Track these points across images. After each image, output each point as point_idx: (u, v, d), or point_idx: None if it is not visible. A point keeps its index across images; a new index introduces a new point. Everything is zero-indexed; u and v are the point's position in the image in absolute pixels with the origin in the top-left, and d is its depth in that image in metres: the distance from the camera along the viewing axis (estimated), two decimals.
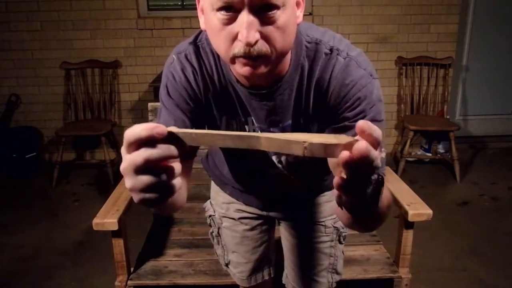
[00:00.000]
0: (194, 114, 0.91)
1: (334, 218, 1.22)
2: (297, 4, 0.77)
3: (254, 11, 0.69)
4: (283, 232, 1.29)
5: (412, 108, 3.58)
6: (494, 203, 2.96)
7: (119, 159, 3.60)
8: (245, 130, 0.95)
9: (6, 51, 3.48)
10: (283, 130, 0.93)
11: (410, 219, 1.45)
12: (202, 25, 0.80)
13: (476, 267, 2.26)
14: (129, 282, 1.54)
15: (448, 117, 3.60)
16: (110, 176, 3.24)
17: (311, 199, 1.22)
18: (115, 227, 1.42)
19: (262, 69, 0.74)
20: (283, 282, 1.34)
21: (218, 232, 1.30)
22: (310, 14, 3.49)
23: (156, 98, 3.07)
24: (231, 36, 0.71)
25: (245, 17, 0.68)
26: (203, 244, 1.76)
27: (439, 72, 3.55)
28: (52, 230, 2.68)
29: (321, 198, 1.22)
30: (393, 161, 3.55)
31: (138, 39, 3.49)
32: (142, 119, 3.62)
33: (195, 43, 0.90)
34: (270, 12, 0.69)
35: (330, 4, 3.48)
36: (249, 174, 1.13)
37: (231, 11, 0.69)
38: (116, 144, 3.59)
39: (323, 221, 1.22)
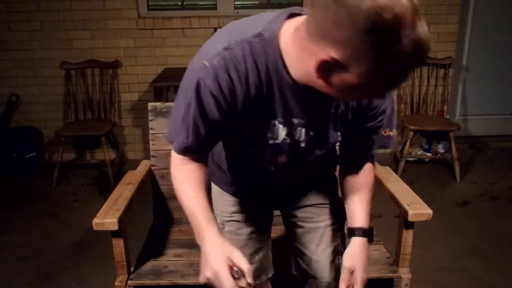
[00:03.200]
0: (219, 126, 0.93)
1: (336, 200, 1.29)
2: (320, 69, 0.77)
3: None
4: (288, 222, 1.33)
5: (412, 108, 3.57)
6: (494, 203, 2.96)
7: (119, 159, 3.60)
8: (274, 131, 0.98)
9: (6, 51, 3.48)
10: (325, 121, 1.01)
11: (410, 219, 1.45)
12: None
13: (476, 267, 2.26)
14: (129, 282, 1.53)
15: (448, 117, 3.60)
16: (110, 176, 3.23)
17: (313, 186, 1.27)
18: (115, 227, 1.42)
19: None
20: (294, 273, 1.36)
21: None
22: None
23: (156, 98, 3.07)
24: None
25: None
26: None
27: (439, 72, 3.55)
28: (52, 230, 2.68)
29: (323, 183, 1.28)
30: (393, 161, 3.55)
31: (138, 39, 3.49)
32: (142, 119, 3.62)
33: (229, 49, 0.85)
34: None
35: None
36: (252, 170, 1.15)
37: None
38: (116, 144, 3.59)
39: (328, 203, 1.28)
